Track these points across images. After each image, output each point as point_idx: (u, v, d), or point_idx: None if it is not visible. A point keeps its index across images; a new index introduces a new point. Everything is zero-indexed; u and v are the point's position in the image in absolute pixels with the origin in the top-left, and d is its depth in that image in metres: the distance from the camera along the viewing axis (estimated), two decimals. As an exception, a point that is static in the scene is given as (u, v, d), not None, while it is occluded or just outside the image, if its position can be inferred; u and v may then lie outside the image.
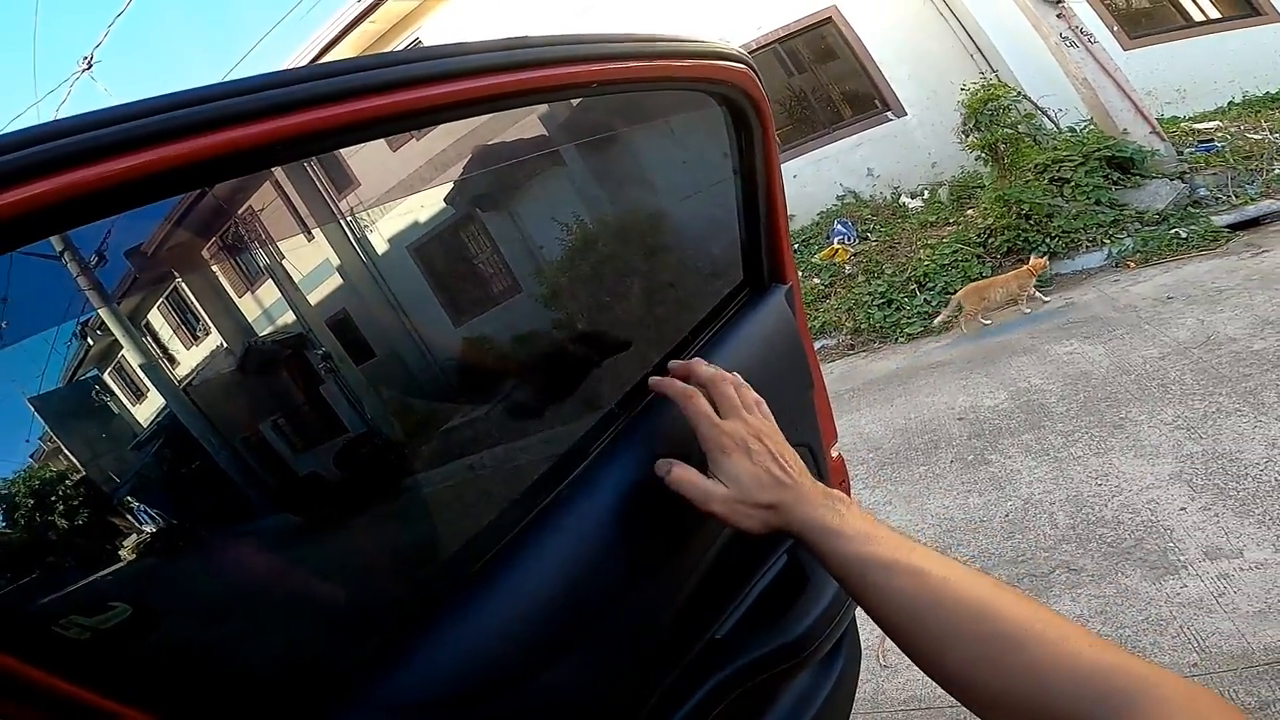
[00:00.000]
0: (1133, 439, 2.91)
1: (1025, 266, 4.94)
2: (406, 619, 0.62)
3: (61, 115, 0.42)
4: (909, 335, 5.43)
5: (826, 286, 6.41)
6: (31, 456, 0.50)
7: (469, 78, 0.57)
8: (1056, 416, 3.32)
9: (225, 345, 0.61)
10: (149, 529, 0.55)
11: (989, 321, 4.93)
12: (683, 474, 0.67)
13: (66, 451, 0.52)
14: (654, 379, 0.73)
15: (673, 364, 0.75)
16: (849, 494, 1.30)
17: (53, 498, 0.50)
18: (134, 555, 0.54)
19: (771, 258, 0.93)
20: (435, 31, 8.72)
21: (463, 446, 0.76)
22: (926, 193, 7.39)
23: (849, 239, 6.89)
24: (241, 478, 0.63)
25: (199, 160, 0.44)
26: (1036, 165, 5.86)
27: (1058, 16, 6.14)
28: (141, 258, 0.54)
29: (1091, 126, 6.16)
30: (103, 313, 0.53)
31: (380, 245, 0.74)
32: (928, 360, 4.82)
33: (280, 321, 0.66)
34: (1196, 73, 7.06)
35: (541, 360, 0.87)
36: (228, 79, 0.48)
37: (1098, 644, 0.49)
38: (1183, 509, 2.40)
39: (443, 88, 0.56)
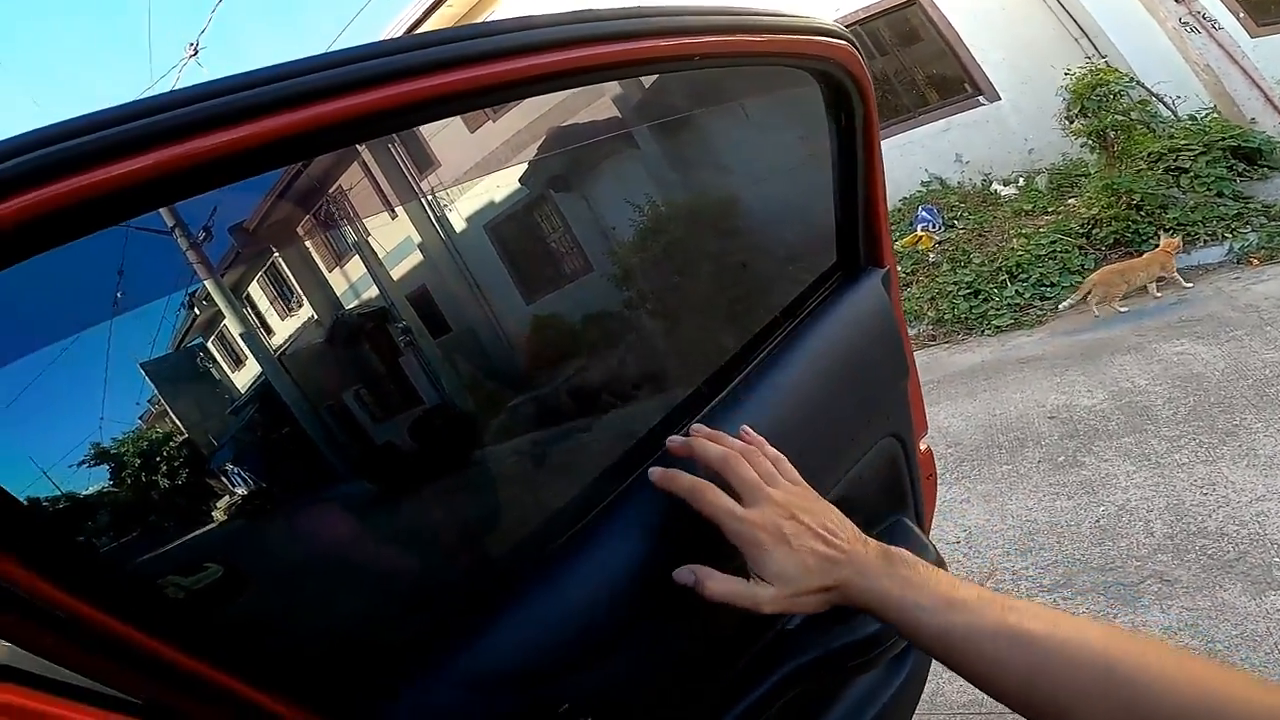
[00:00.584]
0: (1246, 448, 2.70)
1: (1159, 248, 4.61)
2: (483, 591, 0.64)
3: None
4: (996, 328, 5.18)
5: (908, 274, 6.18)
6: (140, 419, 0.52)
7: (580, 46, 0.58)
8: (1161, 420, 3.12)
9: (315, 317, 0.64)
10: (240, 491, 0.58)
11: (1125, 308, 4.62)
12: (719, 587, 0.60)
13: (172, 415, 0.55)
14: (654, 471, 0.64)
15: (670, 442, 0.66)
16: (936, 489, 1.27)
17: (156, 459, 0.53)
18: (225, 517, 0.57)
19: (869, 240, 0.91)
20: (512, 11, 8.82)
21: (541, 423, 0.77)
22: (1022, 180, 7.00)
23: (934, 226, 6.62)
24: (326, 445, 0.65)
25: (303, 132, 0.45)
26: (1151, 154, 5.48)
27: (1176, 1, 5.73)
28: (243, 234, 0.57)
29: (1214, 115, 5.72)
30: (208, 284, 0.56)
31: (465, 223, 0.76)
32: (1017, 354, 4.58)
33: (365, 295, 0.68)
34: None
35: (624, 341, 0.88)
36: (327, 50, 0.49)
37: (1261, 685, 0.44)
38: (1296, 524, 2.23)
39: (551, 56, 0.56)
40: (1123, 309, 4.61)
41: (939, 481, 3.24)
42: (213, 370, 0.59)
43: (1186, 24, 5.74)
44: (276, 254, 0.62)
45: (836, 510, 0.64)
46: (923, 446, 1.12)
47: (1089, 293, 4.67)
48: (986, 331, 5.21)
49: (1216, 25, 5.75)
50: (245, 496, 0.59)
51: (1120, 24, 6.43)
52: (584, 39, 0.57)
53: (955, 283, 5.72)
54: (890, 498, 1.00)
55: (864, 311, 0.87)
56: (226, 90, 0.42)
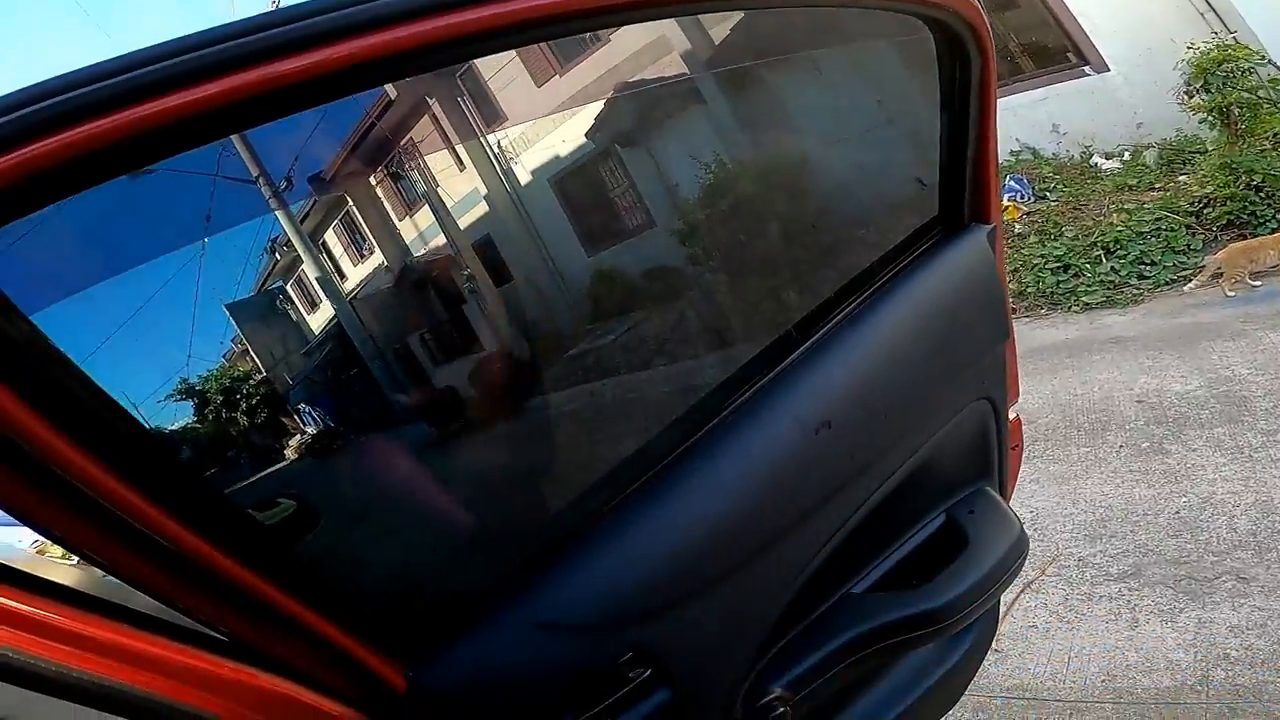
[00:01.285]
0: (1351, 447, 2.54)
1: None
2: (552, 537, 0.67)
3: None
4: (1085, 305, 4.95)
5: (993, 246, 5.95)
6: (224, 356, 0.56)
7: None
8: (1260, 413, 2.97)
9: (386, 263, 0.66)
10: (311, 430, 0.62)
11: (1259, 284, 4.33)
12: None
13: (253, 353, 0.59)
14: None
15: None
16: (1020, 460, 1.24)
17: (237, 396, 0.57)
18: (298, 455, 0.62)
19: (975, 195, 0.90)
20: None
21: (618, 369, 0.79)
22: (1127, 154, 6.65)
23: (1022, 196, 6.35)
24: (392, 385, 0.68)
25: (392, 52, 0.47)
26: (1277, 134, 5.16)
27: None
28: (321, 183, 0.60)
29: (1353, 99, 5.22)
30: (288, 230, 0.59)
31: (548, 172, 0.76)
32: (1106, 334, 4.38)
33: (433, 243, 0.70)
34: None
35: (718, 284, 0.90)
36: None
37: None
38: (1391, 529, 2.11)
39: None
40: (1256, 284, 4.31)
41: (1010, 461, 3.18)
42: (290, 312, 0.62)
43: None
44: (351, 203, 0.64)
45: None
46: (1012, 415, 1.10)
47: (1219, 270, 4.40)
48: (1074, 308, 4.99)
49: None
50: (316, 435, 0.62)
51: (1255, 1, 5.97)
52: None
53: (1043, 255, 5.50)
54: (976, 464, 1.00)
55: (966, 268, 0.87)
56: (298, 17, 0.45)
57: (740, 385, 0.76)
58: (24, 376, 0.39)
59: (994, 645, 2.18)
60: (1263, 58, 5.65)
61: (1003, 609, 2.33)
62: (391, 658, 0.59)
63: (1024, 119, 7.17)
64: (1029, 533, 2.64)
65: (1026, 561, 2.57)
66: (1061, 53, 7.26)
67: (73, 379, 0.43)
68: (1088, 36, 6.97)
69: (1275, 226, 4.77)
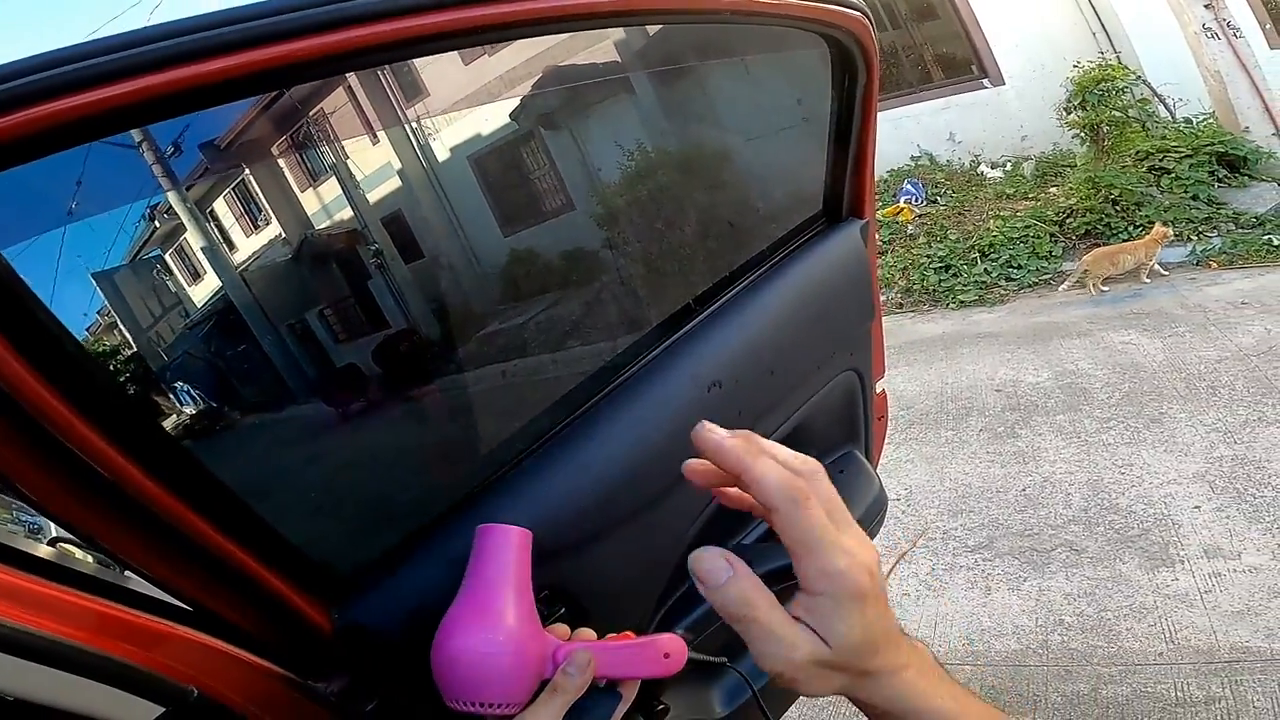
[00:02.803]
0: (1167, 434, 2.94)
1: (1150, 235, 4.79)
2: (474, 481, 0.69)
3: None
4: (961, 302, 5.38)
5: (885, 243, 6.32)
6: (88, 330, 0.53)
7: None
8: (1096, 402, 3.35)
9: (283, 235, 0.65)
10: (188, 410, 0.60)
11: (1107, 289, 4.84)
12: (751, 610, 0.46)
13: (121, 327, 0.56)
14: (732, 443, 0.48)
15: (705, 438, 0.49)
16: (885, 429, 1.38)
17: (100, 372, 0.53)
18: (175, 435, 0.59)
19: (853, 194, 1.01)
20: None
21: (505, 352, 0.81)
22: (1010, 165, 7.12)
23: (916, 200, 6.74)
24: (281, 362, 0.67)
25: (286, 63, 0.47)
26: (1138, 152, 5.62)
27: (1205, 6, 5.75)
28: (214, 150, 0.57)
29: (1210, 120, 5.84)
30: (171, 198, 0.56)
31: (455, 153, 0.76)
32: (976, 330, 4.80)
33: (337, 217, 0.69)
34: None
35: (611, 267, 0.94)
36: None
37: None
38: (1197, 507, 2.47)
39: None
40: (1104, 288, 4.82)
41: (889, 442, 3.45)
42: (168, 284, 0.59)
43: (1209, 30, 5.76)
44: (248, 171, 0.62)
45: None
46: (879, 388, 1.24)
47: (1085, 272, 4.85)
48: (951, 305, 5.41)
49: (1238, 34, 5.78)
50: (192, 416, 0.60)
51: (1142, 23, 6.45)
52: None
53: (929, 256, 5.87)
54: (845, 429, 1.13)
55: (841, 256, 0.98)
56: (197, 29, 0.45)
57: (646, 349, 0.83)
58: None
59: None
60: (1137, 78, 6.10)
61: (883, 578, 2.56)
62: (317, 599, 0.61)
63: (925, 126, 7.50)
64: (904, 508, 2.91)
65: (901, 533, 2.80)
66: (966, 65, 7.61)
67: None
68: (991, 51, 7.33)
69: (1128, 236, 5.22)
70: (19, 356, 0.42)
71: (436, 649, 0.57)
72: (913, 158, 7.52)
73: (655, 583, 0.84)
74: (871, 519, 1.04)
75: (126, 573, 0.65)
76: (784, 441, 0.79)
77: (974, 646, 2.17)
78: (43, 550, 0.99)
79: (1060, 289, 5.07)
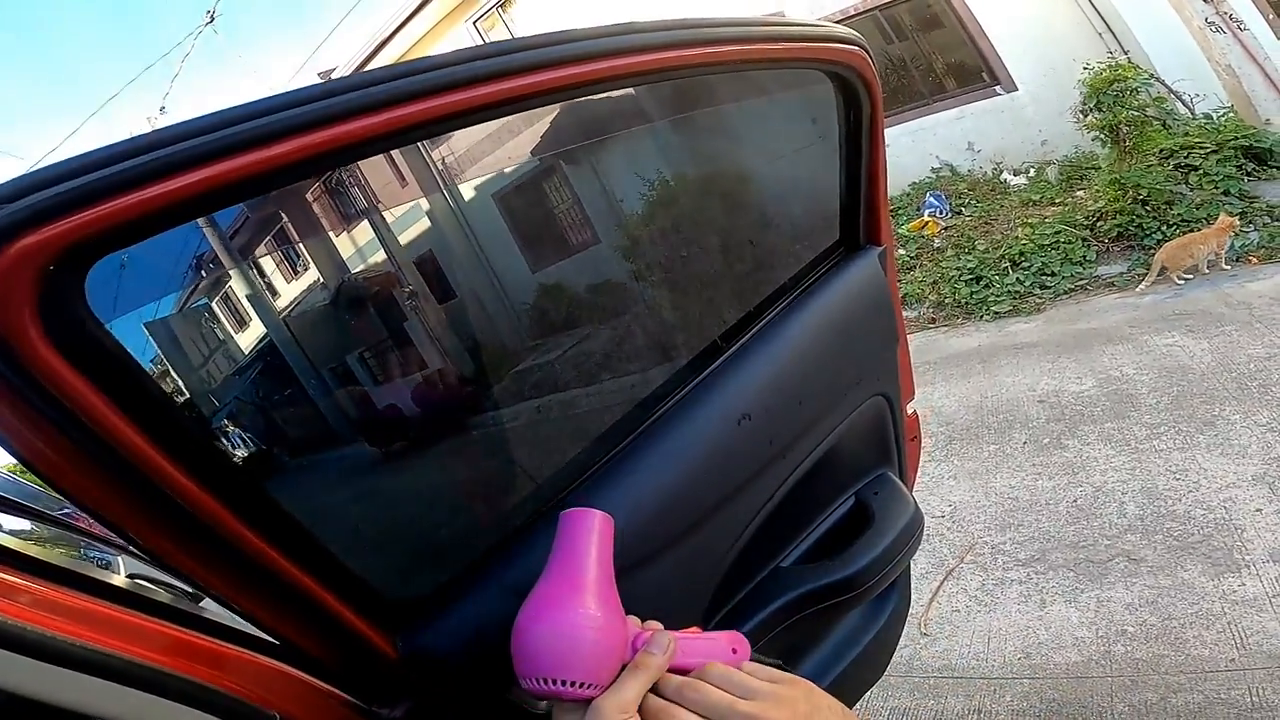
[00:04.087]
0: (1221, 437, 2.85)
1: (1217, 224, 4.65)
2: (526, 515, 0.73)
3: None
4: (995, 313, 5.29)
5: (913, 258, 6.28)
6: (172, 380, 0.57)
7: (633, 54, 0.69)
8: (1144, 408, 3.26)
9: (321, 280, 0.69)
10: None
11: (1184, 280, 4.70)
12: None
13: (173, 373, 0.59)
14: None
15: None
16: (919, 451, 1.39)
17: (189, 421, 0.58)
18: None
19: (869, 222, 1.03)
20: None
21: (553, 386, 0.85)
22: (1032, 171, 7.06)
23: (941, 212, 6.69)
24: (326, 404, 0.70)
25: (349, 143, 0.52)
26: (1162, 150, 5.51)
27: (1205, 1, 5.68)
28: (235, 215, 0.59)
29: (1230, 115, 5.73)
30: (217, 249, 0.60)
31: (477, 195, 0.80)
32: (1013, 341, 4.71)
33: (372, 260, 0.73)
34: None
35: (639, 308, 0.98)
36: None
37: None
38: (1258, 510, 2.38)
39: (609, 62, 0.66)
40: (1180, 280, 4.68)
41: (930, 459, 3.40)
42: (217, 332, 0.63)
43: (1213, 23, 5.68)
44: (285, 220, 0.66)
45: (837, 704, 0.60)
46: (910, 410, 1.25)
47: (1163, 269, 4.72)
48: (985, 317, 5.33)
49: (1243, 26, 5.70)
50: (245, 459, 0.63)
51: (1145, 21, 6.40)
52: (645, 46, 0.69)
53: (958, 268, 5.81)
54: (877, 452, 1.13)
55: (861, 283, 1.00)
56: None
57: (677, 386, 0.86)
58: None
59: (923, 629, 2.37)
60: (1150, 77, 6.00)
61: (929, 595, 2.52)
62: (383, 628, 0.64)
63: (943, 137, 7.49)
64: (949, 524, 2.86)
65: (948, 550, 2.75)
66: (977, 72, 7.58)
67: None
68: (999, 57, 7.31)
69: (1161, 237, 5.11)
70: (120, 413, 0.46)
71: (521, 627, 0.58)
72: (933, 169, 7.50)
73: (697, 604, 0.86)
74: (908, 538, 1.04)
75: (203, 605, 0.70)
76: (816, 467, 0.80)
77: (1032, 660, 2.12)
78: (123, 582, 1.05)
79: (1140, 287, 4.86)
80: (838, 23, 0.93)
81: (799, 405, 0.90)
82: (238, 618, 0.60)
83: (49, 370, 0.43)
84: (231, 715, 0.54)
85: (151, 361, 0.54)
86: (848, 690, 1.14)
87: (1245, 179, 5.23)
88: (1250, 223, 4.93)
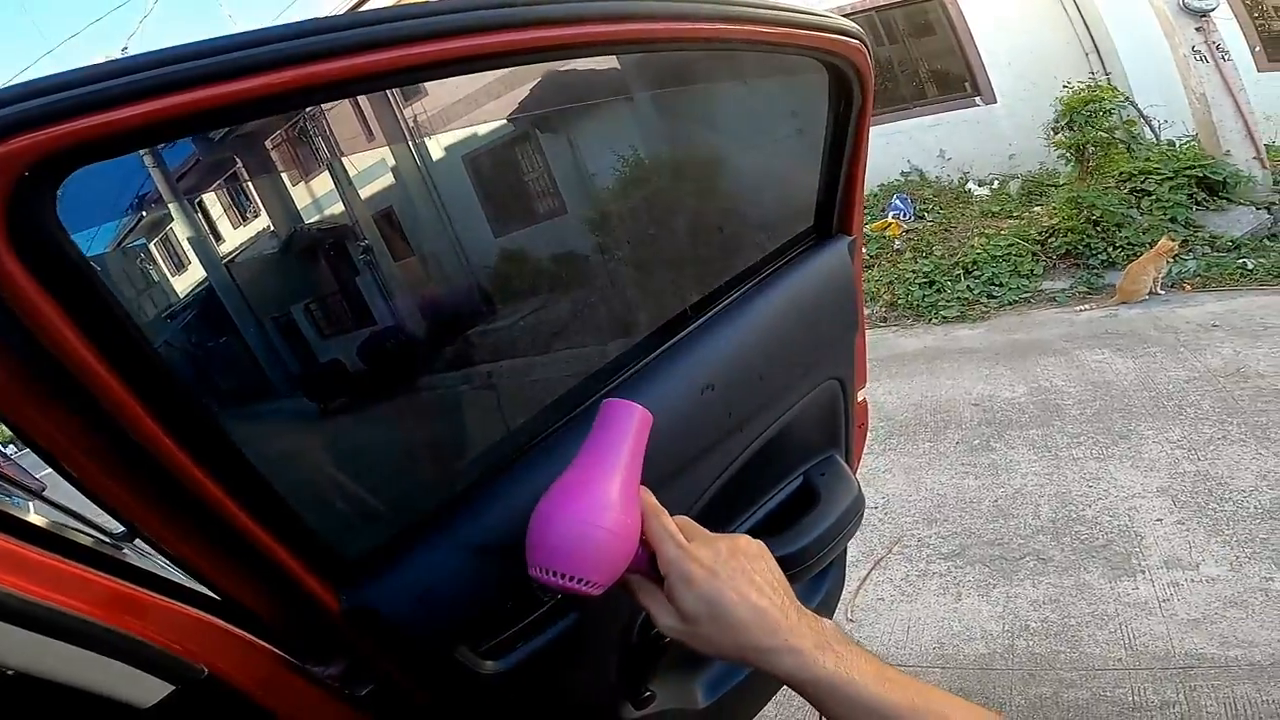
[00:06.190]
0: (1134, 450, 3.04)
1: (1156, 249, 4.83)
2: (480, 471, 0.73)
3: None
4: (943, 318, 5.48)
5: (872, 257, 6.42)
6: (129, 305, 0.52)
7: (617, 21, 0.67)
8: (1068, 418, 3.44)
9: (271, 228, 0.66)
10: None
11: (1160, 294, 4.89)
12: (638, 580, 0.64)
13: (134, 297, 0.57)
14: None
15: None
16: (865, 437, 1.44)
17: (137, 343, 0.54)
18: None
19: (843, 212, 1.07)
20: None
21: (510, 351, 0.85)
22: (996, 183, 7.24)
23: (904, 215, 6.84)
24: (266, 355, 0.69)
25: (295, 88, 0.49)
26: (1121, 173, 5.72)
27: (1196, 29, 5.75)
28: (207, 143, 0.58)
29: (1192, 143, 5.93)
30: (161, 189, 0.58)
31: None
32: (957, 345, 4.90)
33: (328, 211, 0.70)
34: (1328, 104, 6.55)
35: (612, 273, 0.99)
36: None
37: None
38: (1159, 520, 2.56)
39: (580, 29, 0.64)
40: (1156, 294, 4.86)
41: (869, 452, 3.53)
42: (151, 272, 0.60)
43: (1198, 52, 5.74)
44: (240, 164, 0.63)
45: (778, 568, 0.65)
46: (860, 398, 1.30)
47: (1134, 289, 4.88)
48: (934, 320, 5.52)
49: (1226, 57, 5.78)
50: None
51: (1133, 44, 6.52)
52: (659, 15, 0.69)
53: (914, 271, 5.98)
54: (827, 434, 1.18)
55: (829, 270, 1.03)
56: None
57: (645, 351, 0.87)
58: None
59: (850, 616, 2.45)
60: (1126, 100, 6.16)
61: (858, 583, 2.60)
62: (328, 582, 0.63)
63: (917, 142, 7.60)
64: (881, 516, 2.99)
65: (879, 541, 2.86)
66: (960, 82, 7.69)
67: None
68: (985, 69, 7.42)
69: (1106, 258, 5.35)
70: (72, 325, 0.45)
71: (539, 515, 0.58)
72: (903, 173, 7.63)
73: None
74: (849, 519, 1.09)
75: (133, 553, 0.67)
76: (769, 444, 0.82)
77: (945, 650, 2.23)
78: (46, 523, 1.02)
79: (1112, 303, 5.03)
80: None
81: (760, 380, 0.94)
82: (168, 564, 0.59)
83: (6, 275, 0.42)
84: (154, 667, 0.53)
85: (112, 282, 0.52)
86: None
87: (1194, 208, 5.43)
88: (1190, 251, 5.17)
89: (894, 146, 7.60)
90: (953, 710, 0.56)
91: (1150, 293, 4.86)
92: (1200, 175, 5.48)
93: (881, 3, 7.79)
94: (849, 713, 0.56)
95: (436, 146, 0.79)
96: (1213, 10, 5.67)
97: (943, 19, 7.68)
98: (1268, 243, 5.12)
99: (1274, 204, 5.38)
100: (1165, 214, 5.42)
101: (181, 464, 0.52)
